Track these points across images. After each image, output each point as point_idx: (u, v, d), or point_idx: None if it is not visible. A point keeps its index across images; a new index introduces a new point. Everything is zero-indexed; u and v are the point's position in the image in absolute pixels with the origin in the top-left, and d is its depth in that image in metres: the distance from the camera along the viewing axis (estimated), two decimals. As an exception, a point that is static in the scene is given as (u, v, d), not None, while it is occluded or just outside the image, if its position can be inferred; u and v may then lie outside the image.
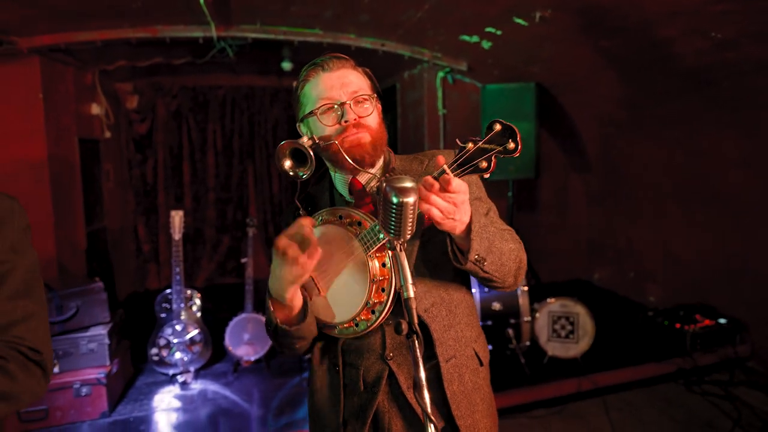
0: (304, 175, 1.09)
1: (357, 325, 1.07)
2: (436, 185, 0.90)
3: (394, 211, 0.83)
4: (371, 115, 1.14)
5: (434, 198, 0.91)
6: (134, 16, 3.25)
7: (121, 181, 5.28)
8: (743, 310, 3.53)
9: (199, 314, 3.43)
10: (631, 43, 2.82)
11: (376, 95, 1.18)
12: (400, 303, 0.93)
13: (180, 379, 3.29)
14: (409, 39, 3.72)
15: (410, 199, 0.82)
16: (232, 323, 3.50)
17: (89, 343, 2.86)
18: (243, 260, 3.65)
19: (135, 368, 3.46)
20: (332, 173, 1.22)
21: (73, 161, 3.93)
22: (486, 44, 3.49)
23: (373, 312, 1.05)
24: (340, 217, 1.09)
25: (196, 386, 3.30)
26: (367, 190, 1.16)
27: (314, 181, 1.27)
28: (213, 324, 3.58)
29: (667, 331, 3.54)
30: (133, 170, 5.41)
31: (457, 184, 0.90)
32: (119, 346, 3.16)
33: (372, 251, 1.03)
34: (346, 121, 1.10)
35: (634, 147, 4.12)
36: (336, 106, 1.11)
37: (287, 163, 1.08)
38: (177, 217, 3.41)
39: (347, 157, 1.08)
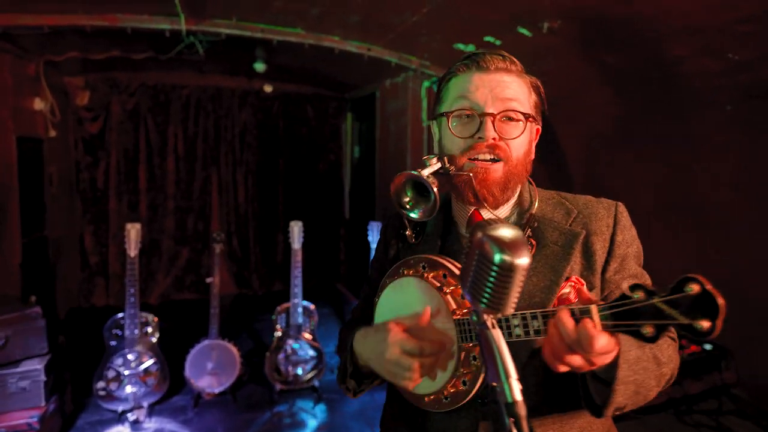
0: (416, 216, 0.86)
1: (423, 401, 0.91)
2: (572, 335, 0.64)
3: (493, 274, 0.56)
4: (518, 140, 0.89)
5: (565, 355, 0.66)
6: (91, 1, 2.84)
7: (67, 185, 4.73)
8: (727, 334, 3.48)
9: (154, 340, 3.01)
10: (635, 60, 2.70)
11: (535, 117, 0.93)
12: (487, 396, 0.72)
13: (131, 417, 2.88)
14: (398, 44, 3.49)
15: (523, 261, 0.56)
16: (194, 351, 3.10)
17: (20, 380, 2.40)
18: (208, 280, 3.26)
19: (76, 404, 2.99)
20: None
21: (9, 161, 3.42)
22: (480, 55, 3.30)
23: (445, 398, 0.86)
24: (445, 276, 0.86)
25: (150, 425, 2.89)
26: None
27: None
28: (169, 348, 3.16)
29: (656, 358, 3.46)
30: (81, 173, 4.88)
31: (603, 345, 0.64)
32: (58, 380, 2.70)
33: (468, 344, 0.82)
34: (480, 138, 0.86)
35: (620, 165, 4.05)
36: (477, 116, 0.87)
37: (405, 197, 0.86)
38: (133, 231, 3.00)
39: (465, 189, 0.87)
